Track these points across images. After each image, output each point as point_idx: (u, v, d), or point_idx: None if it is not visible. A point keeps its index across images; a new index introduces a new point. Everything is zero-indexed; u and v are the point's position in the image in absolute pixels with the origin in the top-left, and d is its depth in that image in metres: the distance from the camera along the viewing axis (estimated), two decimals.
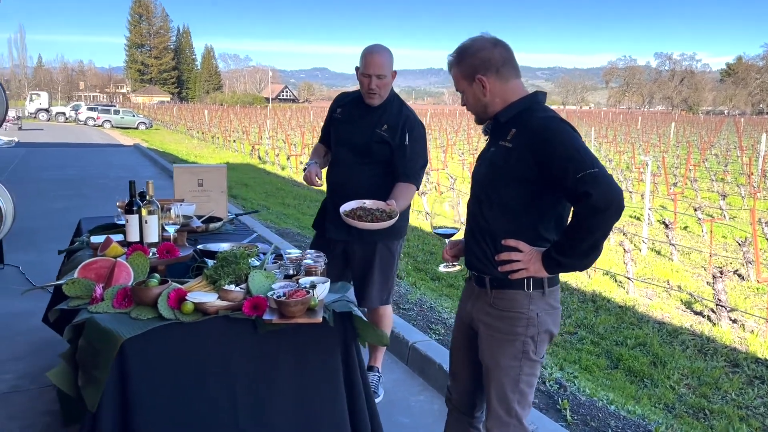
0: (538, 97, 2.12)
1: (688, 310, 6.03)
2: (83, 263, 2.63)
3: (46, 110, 47.52)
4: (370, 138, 3.17)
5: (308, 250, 2.86)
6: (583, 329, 5.28)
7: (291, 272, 2.67)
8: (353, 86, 3.60)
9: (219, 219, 3.78)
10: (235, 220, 4.05)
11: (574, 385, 3.69)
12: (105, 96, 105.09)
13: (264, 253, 2.90)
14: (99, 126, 39.65)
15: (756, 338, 5.26)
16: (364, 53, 3.11)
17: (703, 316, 5.81)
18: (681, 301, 6.30)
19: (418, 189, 3.23)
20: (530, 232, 2.05)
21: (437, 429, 2.49)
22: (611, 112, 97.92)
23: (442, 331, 4.39)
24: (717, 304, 5.62)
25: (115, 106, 47.00)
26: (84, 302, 2.45)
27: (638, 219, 10.69)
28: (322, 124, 3.62)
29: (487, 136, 2.18)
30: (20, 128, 32.95)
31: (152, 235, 2.84)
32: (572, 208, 1.97)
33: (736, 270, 7.16)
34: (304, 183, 3.47)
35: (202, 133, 29.93)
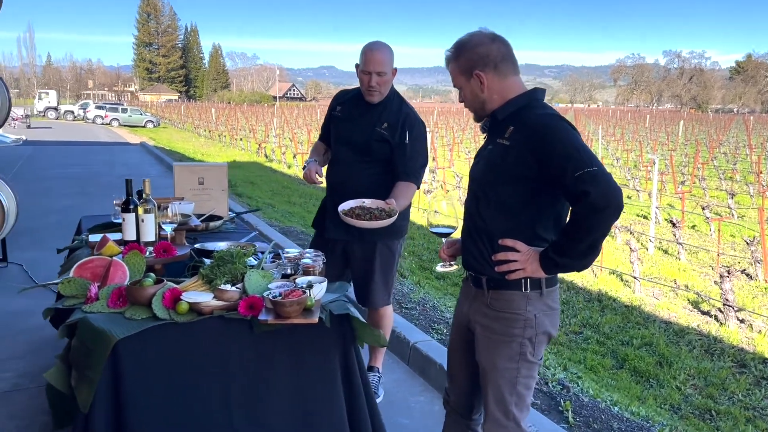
0: (537, 94, 2.07)
1: (695, 310, 5.99)
2: (79, 262, 2.61)
3: (55, 109, 47.69)
4: (370, 136, 3.13)
5: (307, 249, 2.83)
6: (589, 329, 5.25)
7: (289, 272, 2.64)
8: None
9: (219, 217, 3.75)
10: (236, 218, 4.02)
11: (578, 385, 3.65)
12: (113, 94, 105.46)
13: (262, 252, 2.87)
14: (107, 124, 39.76)
15: (764, 338, 5.21)
16: (364, 50, 3.07)
17: (711, 316, 5.77)
18: (688, 300, 6.26)
19: (418, 188, 3.19)
20: (528, 231, 2.01)
21: (437, 430, 2.46)
22: (619, 110, 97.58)
23: (444, 331, 4.35)
24: (724, 304, 5.57)
25: (123, 105, 47.15)
26: (79, 302, 2.43)
27: (645, 218, 10.63)
28: None
29: (485, 134, 2.14)
30: (29, 126, 33.06)
31: (149, 234, 2.81)
32: (570, 208, 1.93)
33: (744, 269, 7.10)
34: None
35: (209, 131, 29.98)
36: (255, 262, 2.66)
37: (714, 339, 5.16)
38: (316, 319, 2.26)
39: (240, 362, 2.32)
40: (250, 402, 2.34)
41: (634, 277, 6.49)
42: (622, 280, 6.84)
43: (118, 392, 2.15)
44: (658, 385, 4.26)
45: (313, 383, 2.43)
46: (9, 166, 14.43)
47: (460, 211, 2.20)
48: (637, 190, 13.18)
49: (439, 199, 2.29)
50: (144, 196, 2.81)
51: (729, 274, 5.58)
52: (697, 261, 8.03)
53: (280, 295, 2.27)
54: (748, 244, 7.15)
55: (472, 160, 2.19)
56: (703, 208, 9.70)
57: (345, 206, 2.92)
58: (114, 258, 2.61)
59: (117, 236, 2.98)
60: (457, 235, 2.27)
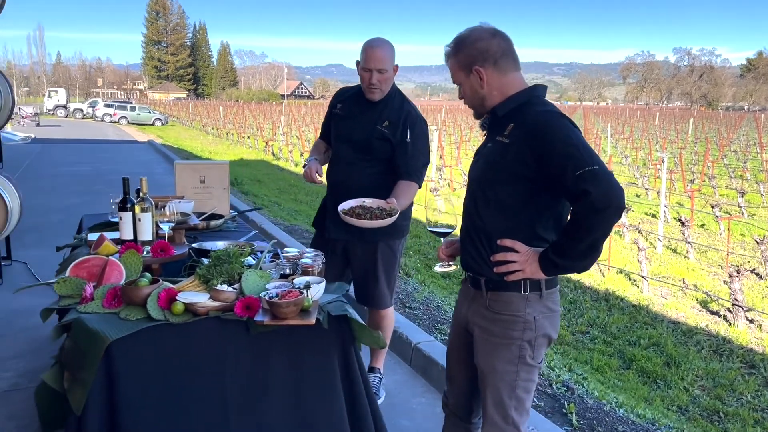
0: (538, 90, 2.02)
1: (704, 310, 5.93)
2: (75, 261, 2.58)
3: (64, 107, 47.91)
4: (370, 134, 3.09)
5: (306, 249, 2.79)
6: (596, 328, 5.20)
7: (287, 272, 2.60)
8: None
9: (220, 216, 3.72)
10: (237, 217, 3.99)
11: (583, 387, 3.59)
12: (122, 92, 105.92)
13: (261, 252, 2.83)
14: (115, 122, 39.92)
15: None
16: (364, 47, 3.03)
17: (719, 316, 5.71)
18: (697, 300, 6.20)
19: (420, 187, 3.14)
20: (527, 231, 1.96)
21: None
22: (628, 108, 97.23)
23: (448, 331, 4.31)
24: (733, 304, 5.51)
25: (131, 103, 47.34)
26: (74, 301, 2.40)
27: (654, 216, 10.54)
28: None
29: (484, 132, 2.09)
30: (38, 124, 33.25)
31: (146, 233, 2.78)
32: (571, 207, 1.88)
33: (754, 269, 7.01)
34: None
35: (217, 129, 30.02)
36: (253, 262, 2.62)
37: (723, 339, 5.10)
38: (313, 321, 2.22)
39: (236, 364, 2.28)
40: (247, 404, 2.30)
41: (642, 277, 6.43)
42: (630, 280, 6.78)
43: (112, 394, 2.12)
44: (666, 386, 4.21)
45: (312, 385, 2.39)
46: (17, 163, 14.49)
47: (459, 208, 2.16)
48: (646, 189, 13.08)
49: (443, 197, 2.25)
50: (141, 194, 2.78)
51: (738, 273, 5.52)
52: (706, 260, 7.95)
53: (277, 295, 2.23)
54: (758, 243, 7.06)
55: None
56: (712, 207, 9.60)
57: (345, 206, 2.88)
58: (110, 257, 2.58)
59: (115, 235, 2.95)
60: (458, 233, 2.22)
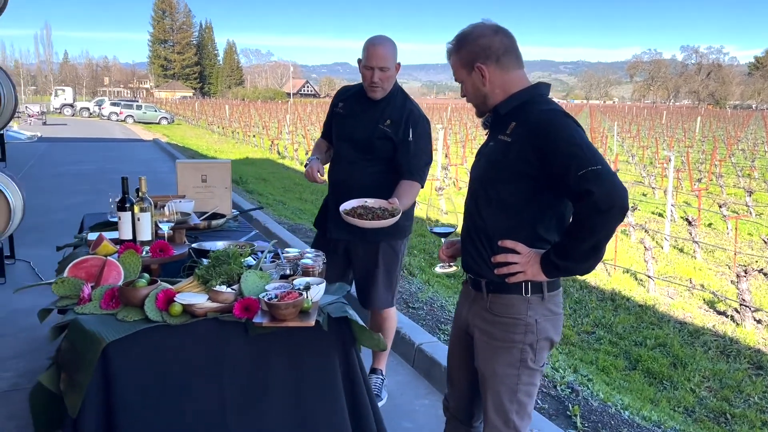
0: (541, 88, 1.98)
1: (711, 310, 5.88)
2: (74, 262, 2.55)
3: (71, 105, 48.03)
4: (372, 133, 3.05)
5: (307, 249, 2.76)
6: (601, 328, 5.17)
7: (288, 272, 2.56)
8: None
9: (222, 215, 3.69)
10: (239, 217, 3.96)
11: (588, 389, 3.55)
12: (129, 91, 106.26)
13: (261, 252, 2.80)
14: (122, 121, 40.00)
15: None
16: (366, 45, 2.99)
17: (727, 316, 5.67)
18: (704, 300, 6.15)
19: (422, 187, 3.10)
20: (528, 231, 1.92)
21: None
22: (635, 106, 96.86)
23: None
24: (741, 304, 5.47)
25: (137, 101, 47.46)
26: (72, 302, 2.37)
27: (661, 215, 10.47)
28: None
29: (486, 130, 2.06)
30: (44, 123, 33.35)
31: (145, 233, 2.75)
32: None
33: (762, 269, 6.94)
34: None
35: (223, 128, 30.05)
36: (254, 262, 2.59)
37: (730, 340, 5.07)
38: (312, 322, 2.18)
39: (235, 366, 2.25)
40: (246, 407, 2.27)
41: (649, 276, 6.38)
42: (636, 279, 6.74)
43: (109, 396, 2.09)
44: (672, 387, 4.18)
45: (312, 386, 2.36)
46: (23, 162, 14.52)
47: (460, 206, 2.13)
48: (653, 188, 13.00)
49: (445, 196, 2.21)
50: (140, 194, 2.75)
51: (746, 273, 5.48)
52: (713, 260, 7.89)
53: (276, 296, 2.20)
54: (765, 242, 7.00)
55: None
56: (720, 206, 9.53)
57: (347, 206, 2.84)
58: (109, 258, 2.56)
59: (114, 235, 2.92)
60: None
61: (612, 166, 8.69)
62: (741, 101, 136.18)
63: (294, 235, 7.11)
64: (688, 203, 11.95)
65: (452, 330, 2.25)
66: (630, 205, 1.82)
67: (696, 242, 7.90)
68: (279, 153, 19.73)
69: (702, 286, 6.50)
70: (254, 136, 24.19)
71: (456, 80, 2.06)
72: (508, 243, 1.91)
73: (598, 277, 6.70)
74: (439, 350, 3.84)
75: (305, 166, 3.20)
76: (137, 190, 2.84)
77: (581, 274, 1.88)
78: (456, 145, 22.20)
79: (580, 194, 1.73)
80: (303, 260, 2.58)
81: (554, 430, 3.03)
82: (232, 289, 2.33)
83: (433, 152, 3.29)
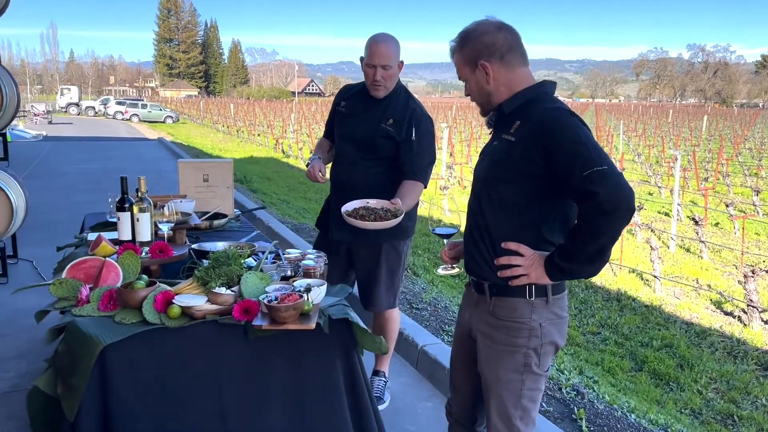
0: (546, 87, 1.94)
1: (718, 311, 5.83)
2: (72, 262, 2.52)
3: (77, 104, 48.16)
4: (374, 132, 3.01)
5: (309, 250, 2.72)
6: (607, 329, 5.13)
7: (289, 273, 2.53)
8: None
9: (224, 215, 3.66)
10: (241, 216, 3.93)
11: (593, 391, 3.50)
12: (134, 90, 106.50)
13: (262, 252, 2.76)
14: (127, 120, 40.06)
15: None
16: (368, 43, 2.95)
17: (734, 317, 5.61)
18: (710, 300, 6.10)
19: (425, 187, 3.06)
20: (532, 232, 1.87)
21: None
22: (641, 105, 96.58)
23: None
24: (748, 305, 5.42)
25: (142, 100, 47.50)
26: (70, 304, 2.34)
27: (667, 215, 10.40)
28: None
29: (490, 129, 2.01)
30: (50, 122, 33.43)
31: (144, 234, 2.72)
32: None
33: None
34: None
35: (228, 127, 30.04)
36: (254, 263, 2.55)
37: (737, 341, 5.02)
38: (313, 325, 2.14)
39: (235, 369, 2.22)
40: (246, 410, 2.24)
41: (655, 276, 6.33)
42: (642, 279, 6.68)
43: (106, 400, 2.06)
44: (679, 389, 4.13)
45: (314, 389, 2.32)
46: (27, 161, 14.54)
47: (463, 206, 2.08)
48: (659, 187, 12.93)
49: (448, 197, 2.18)
50: (139, 194, 2.72)
51: (753, 273, 5.43)
52: (720, 260, 7.83)
53: (276, 298, 2.16)
54: None
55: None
56: (726, 206, 9.45)
57: (348, 207, 2.79)
58: (107, 258, 2.52)
59: (113, 235, 2.89)
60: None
61: (618, 165, 8.56)
62: (748, 100, 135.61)
63: (297, 235, 7.08)
64: (694, 202, 11.87)
65: (455, 334, 2.20)
66: (636, 205, 1.78)
67: (703, 242, 7.84)
68: (283, 152, 19.71)
69: (709, 286, 6.44)
70: (259, 135, 24.17)
71: (460, 78, 2.02)
72: (512, 245, 1.87)
73: (603, 277, 6.65)
74: (442, 352, 3.80)
75: (307, 166, 3.16)
76: (137, 190, 2.81)
77: (586, 277, 1.83)
78: (461, 144, 22.14)
79: (584, 195, 1.68)
80: (304, 261, 2.54)
81: None
82: (232, 290, 2.29)
83: (438, 151, 3.24)
